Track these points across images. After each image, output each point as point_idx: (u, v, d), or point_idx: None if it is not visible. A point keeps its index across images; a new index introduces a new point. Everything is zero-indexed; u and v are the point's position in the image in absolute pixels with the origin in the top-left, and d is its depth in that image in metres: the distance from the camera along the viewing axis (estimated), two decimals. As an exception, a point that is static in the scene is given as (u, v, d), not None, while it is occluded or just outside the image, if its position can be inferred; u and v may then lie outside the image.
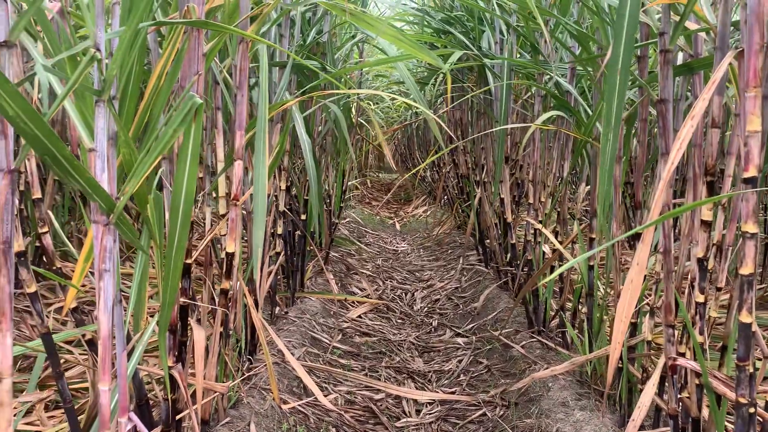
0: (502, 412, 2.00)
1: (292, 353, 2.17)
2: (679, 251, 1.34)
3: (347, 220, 5.04)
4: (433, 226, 4.99)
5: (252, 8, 1.42)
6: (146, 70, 1.41)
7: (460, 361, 2.44)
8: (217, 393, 1.43)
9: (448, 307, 3.17)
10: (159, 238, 1.19)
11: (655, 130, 2.24)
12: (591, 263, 1.97)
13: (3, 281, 0.73)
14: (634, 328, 1.71)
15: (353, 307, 3.04)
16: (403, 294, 3.41)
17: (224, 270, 1.43)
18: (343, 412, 1.96)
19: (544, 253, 2.44)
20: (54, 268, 1.43)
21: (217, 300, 1.45)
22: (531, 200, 2.34)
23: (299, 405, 1.91)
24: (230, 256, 1.38)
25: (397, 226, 5.46)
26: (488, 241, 3.42)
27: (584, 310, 2.23)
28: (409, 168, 6.91)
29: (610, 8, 1.67)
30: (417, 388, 2.24)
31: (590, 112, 1.83)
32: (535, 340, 2.34)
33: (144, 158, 0.77)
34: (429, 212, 5.74)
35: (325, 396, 2.02)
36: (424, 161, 5.76)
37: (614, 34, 1.01)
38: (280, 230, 2.41)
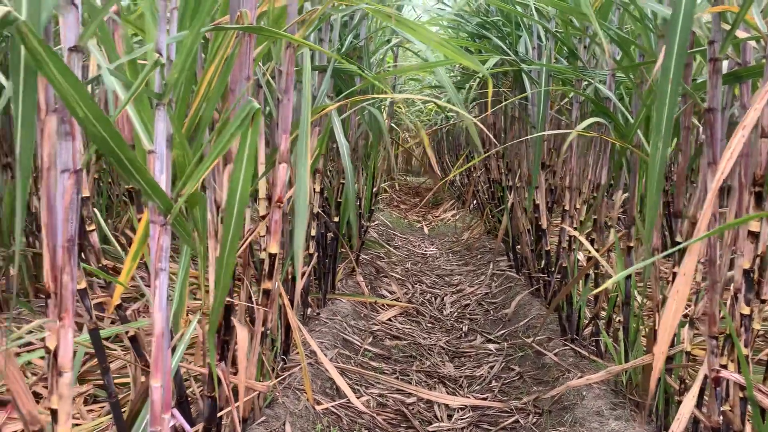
0: (535, 420, 1.99)
1: (324, 354, 2.18)
2: (721, 260, 1.32)
3: (376, 223, 5.05)
4: (462, 230, 4.97)
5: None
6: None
7: (491, 367, 2.43)
8: (257, 392, 1.45)
9: (478, 312, 3.17)
10: (205, 238, 1.22)
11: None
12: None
13: (67, 279, 0.75)
14: (672, 339, 1.69)
15: (383, 310, 3.05)
16: (433, 298, 3.40)
17: (267, 270, 1.45)
18: (375, 415, 1.97)
19: (577, 260, 2.42)
20: (99, 265, 1.46)
21: (258, 300, 1.47)
22: (567, 207, 2.32)
23: (332, 406, 1.92)
24: (273, 257, 1.40)
25: (426, 229, 5.46)
26: (519, 246, 3.41)
27: (618, 318, 2.21)
28: (437, 172, 6.90)
29: (654, 14, 1.66)
30: (448, 393, 2.24)
31: (630, 119, 1.82)
32: (568, 348, 2.32)
33: (205, 161, 0.78)
34: (457, 216, 5.72)
35: (357, 398, 2.03)
36: (454, 165, 5.75)
37: (667, 43, 1.00)
38: (313, 232, 2.43)
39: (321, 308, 2.69)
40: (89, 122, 0.66)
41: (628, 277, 1.97)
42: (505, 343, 2.65)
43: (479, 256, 4.11)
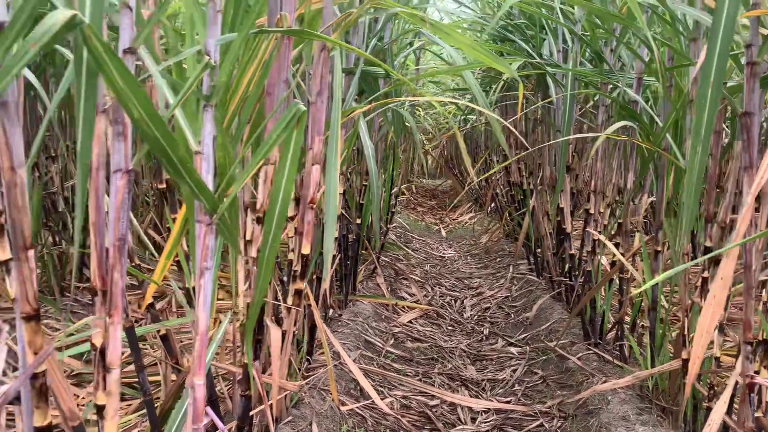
0: (559, 424, 1.98)
1: (347, 355, 2.19)
2: (756, 265, 1.31)
3: (393, 225, 5.06)
4: (480, 233, 4.96)
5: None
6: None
7: (514, 371, 2.43)
8: (288, 391, 1.46)
9: (498, 315, 3.16)
10: (236, 239, 1.23)
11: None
12: (655, 276, 1.94)
13: (117, 276, 0.76)
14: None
15: (404, 312, 3.05)
16: (453, 301, 3.40)
17: (299, 271, 1.46)
18: (400, 417, 1.97)
19: (600, 264, 2.41)
20: (133, 264, 1.48)
21: (291, 300, 1.48)
22: (592, 210, 2.31)
23: (357, 407, 1.92)
24: (305, 258, 1.41)
25: (443, 232, 5.45)
26: (539, 250, 3.40)
27: (642, 323, 2.20)
28: (455, 174, 6.89)
29: (684, 17, 1.65)
30: (471, 396, 2.23)
31: (659, 122, 1.81)
32: (591, 352, 2.31)
33: (251, 162, 0.79)
34: (475, 219, 5.71)
35: (381, 399, 2.03)
36: (473, 168, 5.74)
37: (707, 47, 1.00)
38: (336, 234, 2.44)
39: (342, 309, 2.70)
40: (144, 123, 0.68)
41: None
42: (527, 347, 2.64)
43: (498, 260, 4.10)
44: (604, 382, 2.01)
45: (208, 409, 1.24)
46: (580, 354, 2.32)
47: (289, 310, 1.41)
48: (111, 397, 0.79)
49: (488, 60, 1.34)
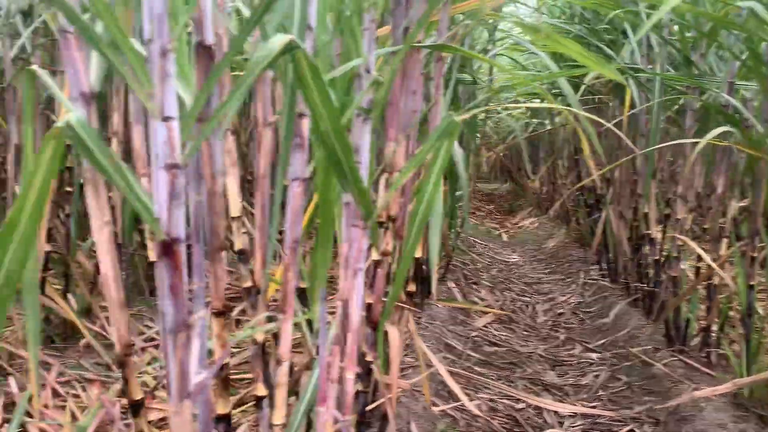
0: (651, 430, 1.98)
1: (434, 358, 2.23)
2: None
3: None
4: (545, 238, 4.94)
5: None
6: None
7: (596, 376, 2.42)
8: (401, 389, 1.51)
9: (573, 321, 3.15)
10: (379, 240, 1.28)
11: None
12: (751, 283, 1.92)
13: (290, 275, 0.82)
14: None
15: (477, 316, 3.08)
16: (524, 306, 3.40)
17: (413, 273, 1.51)
18: (489, 419, 2.00)
19: (684, 270, 2.40)
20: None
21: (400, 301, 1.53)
22: (679, 216, 2.30)
23: (448, 409, 1.96)
24: (417, 261, 1.46)
25: (504, 237, 5.44)
26: (611, 255, 3.37)
27: (728, 331, 2.17)
28: (514, 179, 6.87)
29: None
30: (555, 401, 2.24)
31: (759, 127, 1.79)
32: (676, 358, 2.30)
33: (403, 171, 0.85)
34: (536, 224, 5.68)
35: (469, 402, 2.06)
36: (535, 173, 5.71)
37: None
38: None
39: (421, 313, 2.74)
40: (326, 135, 0.73)
41: (750, 287, 1.94)
42: (608, 353, 2.63)
43: (567, 265, 4.08)
44: (695, 389, 2.00)
45: (330, 404, 1.30)
46: (665, 360, 2.30)
47: (401, 311, 1.46)
48: (281, 388, 0.85)
49: (597, 66, 1.36)
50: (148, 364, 2.15)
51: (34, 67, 0.66)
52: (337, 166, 0.79)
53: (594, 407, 2.18)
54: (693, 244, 2.14)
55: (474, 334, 2.83)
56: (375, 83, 0.81)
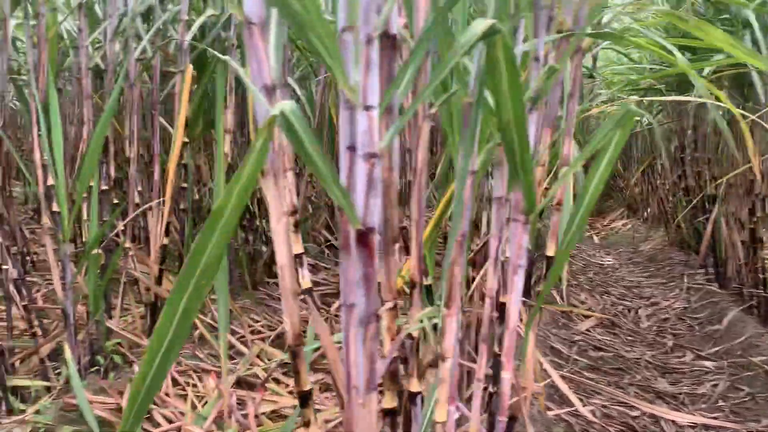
0: (783, 446, 1.85)
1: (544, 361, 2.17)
2: None
3: (546, 230, 4.96)
4: (640, 241, 4.75)
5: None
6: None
7: (714, 386, 2.29)
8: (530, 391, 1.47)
9: (680, 327, 3.00)
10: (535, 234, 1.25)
11: None
12: None
13: (457, 270, 0.80)
14: None
15: (578, 319, 2.99)
16: (626, 310, 3.28)
17: (543, 273, 1.47)
18: (604, 425, 1.93)
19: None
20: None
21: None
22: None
23: (562, 413, 1.90)
24: (549, 259, 1.41)
25: (595, 239, 5.28)
26: (719, 258, 3.20)
27: None
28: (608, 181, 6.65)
29: None
30: (671, 410, 2.14)
31: None
32: (804, 370, 2.15)
33: (571, 165, 0.82)
34: (629, 226, 5.47)
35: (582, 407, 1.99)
36: (631, 175, 5.50)
37: None
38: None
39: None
40: (508, 125, 0.71)
41: None
42: (724, 362, 2.48)
43: (668, 268, 3.90)
44: (833, 403, 1.86)
45: (459, 404, 1.28)
46: (793, 372, 2.16)
47: (530, 310, 1.42)
48: (444, 385, 0.83)
49: (748, 57, 1.28)
50: (258, 356, 2.20)
51: (227, 57, 0.67)
52: (512, 157, 0.76)
53: (716, 418, 2.06)
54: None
55: (577, 338, 2.74)
56: (551, 71, 0.78)
